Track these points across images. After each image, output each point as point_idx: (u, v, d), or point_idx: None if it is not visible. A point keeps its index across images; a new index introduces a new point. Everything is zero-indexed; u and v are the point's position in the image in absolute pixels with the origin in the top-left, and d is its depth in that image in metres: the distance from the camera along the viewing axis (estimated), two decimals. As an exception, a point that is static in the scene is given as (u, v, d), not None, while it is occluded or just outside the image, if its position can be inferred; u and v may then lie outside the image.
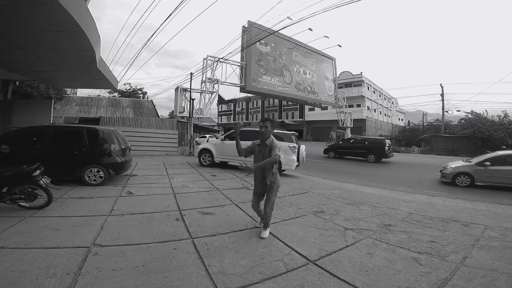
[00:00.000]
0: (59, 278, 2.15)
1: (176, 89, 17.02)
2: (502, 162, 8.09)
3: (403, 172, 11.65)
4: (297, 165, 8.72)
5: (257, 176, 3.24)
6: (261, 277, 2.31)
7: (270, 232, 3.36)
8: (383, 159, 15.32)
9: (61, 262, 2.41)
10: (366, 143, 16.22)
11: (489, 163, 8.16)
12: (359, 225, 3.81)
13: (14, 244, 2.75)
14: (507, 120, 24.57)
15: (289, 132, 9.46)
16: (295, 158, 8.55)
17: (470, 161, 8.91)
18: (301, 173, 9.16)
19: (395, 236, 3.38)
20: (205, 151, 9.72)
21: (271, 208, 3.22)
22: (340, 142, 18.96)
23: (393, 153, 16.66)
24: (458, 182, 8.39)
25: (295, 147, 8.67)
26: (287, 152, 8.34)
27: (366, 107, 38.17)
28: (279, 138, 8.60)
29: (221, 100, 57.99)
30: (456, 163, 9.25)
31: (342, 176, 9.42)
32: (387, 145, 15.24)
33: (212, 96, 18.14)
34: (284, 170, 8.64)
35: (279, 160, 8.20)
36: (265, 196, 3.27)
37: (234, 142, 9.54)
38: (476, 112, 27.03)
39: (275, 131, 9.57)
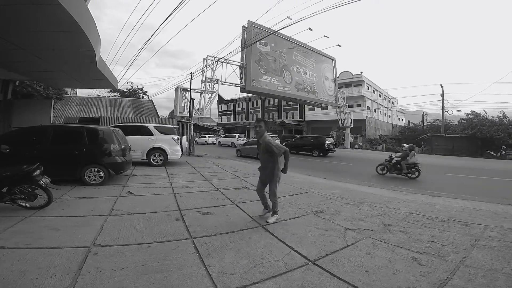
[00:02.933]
0: (59, 278, 2.15)
1: (176, 89, 17.02)
2: (248, 144, 15.97)
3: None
4: (182, 154, 10.20)
5: (261, 165, 3.81)
6: (261, 277, 2.31)
7: (270, 232, 3.37)
8: (329, 154, 17.90)
9: (61, 262, 2.41)
10: (312, 140, 18.65)
11: (239, 145, 17.17)
12: (359, 225, 3.80)
13: (14, 244, 2.75)
14: (507, 120, 24.51)
15: (172, 126, 10.75)
16: (179, 148, 9.82)
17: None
18: (300, 173, 9.16)
19: (395, 236, 3.38)
20: None
21: (274, 196, 3.70)
22: (293, 140, 21.09)
23: (335, 149, 19.13)
24: (238, 155, 15.93)
25: (178, 138, 9.91)
26: (172, 143, 9.59)
27: (366, 107, 38.10)
28: (163, 132, 9.70)
29: (221, 100, 57.90)
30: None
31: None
32: (327, 142, 17.72)
33: (212, 96, 18.14)
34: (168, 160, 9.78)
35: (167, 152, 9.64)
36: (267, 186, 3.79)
37: None
38: (476, 112, 27.01)
39: (159, 125, 10.04)
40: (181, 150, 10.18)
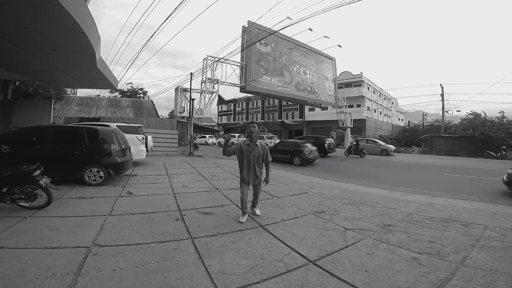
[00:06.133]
0: (59, 278, 2.15)
1: (176, 89, 17.01)
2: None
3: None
4: (146, 154, 10.02)
5: (251, 171, 3.80)
6: (261, 277, 2.31)
7: (270, 232, 3.39)
8: (329, 154, 18.26)
9: (61, 262, 2.41)
10: (312, 140, 18.53)
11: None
12: (359, 225, 3.80)
13: (14, 244, 2.75)
14: (506, 120, 24.48)
15: (136, 125, 10.51)
16: (144, 148, 9.62)
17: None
18: (300, 173, 9.16)
19: (395, 236, 3.38)
20: None
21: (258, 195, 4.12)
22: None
23: (335, 149, 19.46)
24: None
25: (143, 138, 9.72)
26: (136, 143, 9.27)
27: (366, 107, 38.07)
28: (127, 131, 9.16)
29: (221, 100, 57.92)
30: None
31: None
32: (327, 142, 18.12)
33: (212, 96, 18.13)
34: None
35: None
36: (253, 188, 3.99)
37: None
38: (476, 113, 26.97)
39: (122, 124, 9.75)
40: (146, 150, 9.88)
